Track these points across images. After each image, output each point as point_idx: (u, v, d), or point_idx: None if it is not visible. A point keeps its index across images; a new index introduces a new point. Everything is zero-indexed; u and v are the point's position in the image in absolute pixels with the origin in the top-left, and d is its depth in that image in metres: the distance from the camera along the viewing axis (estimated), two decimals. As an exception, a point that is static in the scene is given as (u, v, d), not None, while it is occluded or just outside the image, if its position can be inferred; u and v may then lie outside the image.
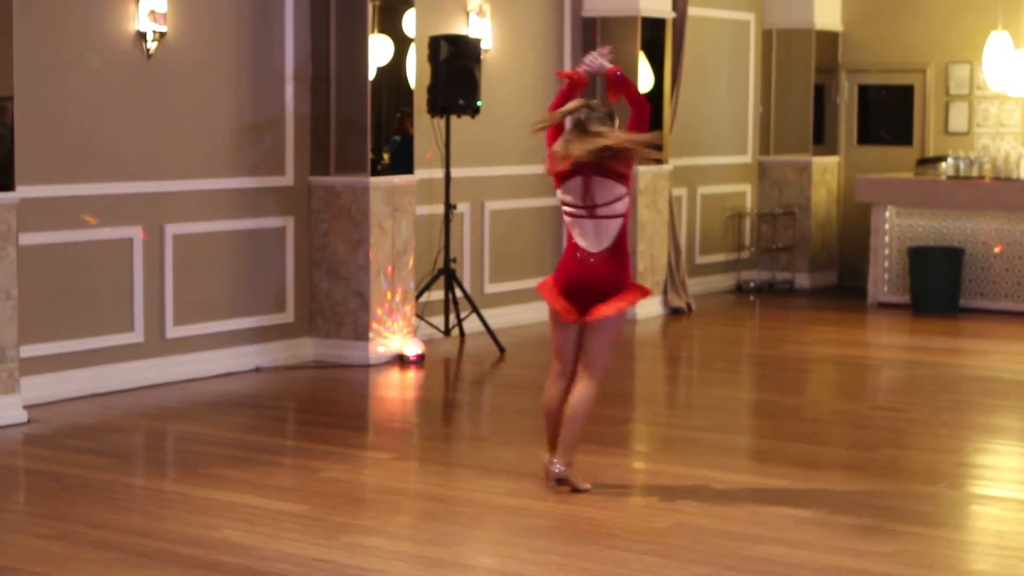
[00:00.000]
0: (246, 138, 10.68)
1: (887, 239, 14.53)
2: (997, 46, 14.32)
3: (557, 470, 7.36)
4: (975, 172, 14.22)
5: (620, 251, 7.32)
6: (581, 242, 7.31)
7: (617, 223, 7.27)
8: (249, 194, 10.73)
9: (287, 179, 10.99)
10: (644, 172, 13.38)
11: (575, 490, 7.34)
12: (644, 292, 7.41)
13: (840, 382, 11.06)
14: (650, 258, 13.56)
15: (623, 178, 7.23)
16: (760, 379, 11.28)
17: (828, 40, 16.10)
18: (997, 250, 13.97)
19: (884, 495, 7.39)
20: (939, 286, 13.94)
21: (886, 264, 14.54)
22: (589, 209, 7.25)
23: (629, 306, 7.32)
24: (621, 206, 7.26)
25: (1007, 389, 10.44)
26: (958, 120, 15.67)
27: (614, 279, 7.28)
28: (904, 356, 12.10)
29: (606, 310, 7.25)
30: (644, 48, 13.46)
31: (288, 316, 11.03)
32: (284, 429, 9.31)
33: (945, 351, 12.08)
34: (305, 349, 11.12)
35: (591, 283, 7.29)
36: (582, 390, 7.32)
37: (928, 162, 15.10)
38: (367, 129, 10.94)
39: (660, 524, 6.85)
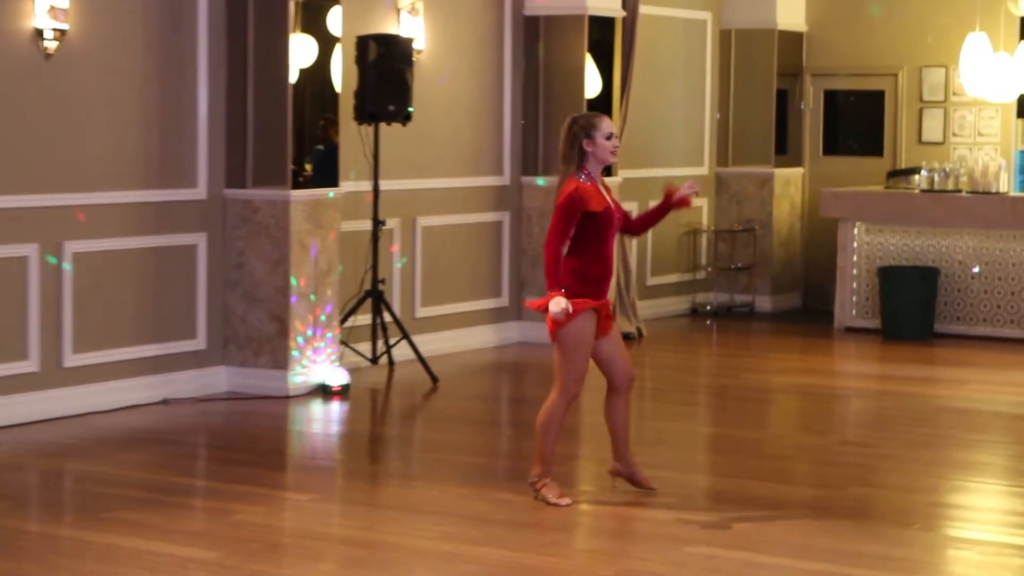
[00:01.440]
0: (155, 147, 10.64)
1: (855, 258, 14.61)
2: (975, 49, 14.42)
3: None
4: (951, 185, 14.32)
5: None
6: None
7: None
8: (157, 208, 10.67)
9: (199, 192, 10.95)
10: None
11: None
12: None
13: (805, 414, 11.11)
14: (598, 279, 13.57)
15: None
16: (718, 411, 11.32)
17: (791, 41, 16.20)
18: (975, 270, 14.09)
19: (853, 538, 7.42)
20: (912, 309, 14.03)
21: (854, 285, 14.62)
22: None
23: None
24: None
25: (985, 422, 10.51)
26: (932, 129, 15.80)
27: None
28: (874, 386, 12.17)
29: None
30: (591, 49, 13.49)
31: (200, 343, 10.98)
32: (194, 468, 9.26)
33: (918, 380, 12.15)
34: (218, 379, 11.07)
35: None
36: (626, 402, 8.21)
37: (900, 174, 15.20)
38: (288, 138, 10.92)
39: (607, 571, 6.85)
